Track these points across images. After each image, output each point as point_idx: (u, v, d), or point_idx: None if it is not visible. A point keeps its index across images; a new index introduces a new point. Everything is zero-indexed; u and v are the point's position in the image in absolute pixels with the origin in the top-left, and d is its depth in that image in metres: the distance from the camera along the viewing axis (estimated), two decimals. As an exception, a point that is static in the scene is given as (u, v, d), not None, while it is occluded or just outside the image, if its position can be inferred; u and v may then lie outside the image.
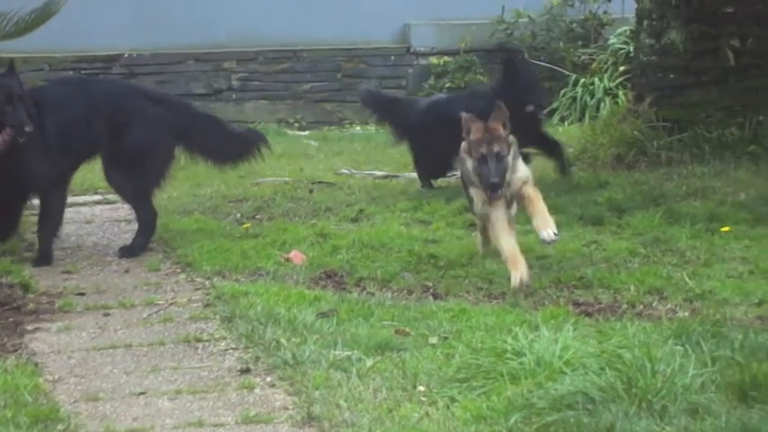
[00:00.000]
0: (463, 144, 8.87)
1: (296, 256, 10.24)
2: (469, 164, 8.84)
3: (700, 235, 10.78)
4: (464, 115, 8.85)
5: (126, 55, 21.70)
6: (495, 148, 8.61)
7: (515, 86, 12.45)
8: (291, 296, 8.71)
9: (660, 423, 5.54)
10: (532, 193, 8.87)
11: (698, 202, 12.10)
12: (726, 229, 10.92)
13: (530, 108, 12.35)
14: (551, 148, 13.27)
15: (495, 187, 8.66)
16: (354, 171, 16.78)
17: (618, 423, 5.48)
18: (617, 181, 13.14)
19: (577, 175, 13.74)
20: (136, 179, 10.76)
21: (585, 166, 14.24)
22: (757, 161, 13.24)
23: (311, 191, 14.50)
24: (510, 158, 8.73)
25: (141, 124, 10.71)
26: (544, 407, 5.73)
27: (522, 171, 8.99)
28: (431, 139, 13.39)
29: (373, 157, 18.90)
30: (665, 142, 13.67)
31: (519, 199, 8.99)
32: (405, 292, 9.18)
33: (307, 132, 24.67)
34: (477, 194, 8.97)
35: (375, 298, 8.83)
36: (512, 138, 8.79)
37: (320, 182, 15.41)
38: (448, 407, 6.08)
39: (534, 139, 12.58)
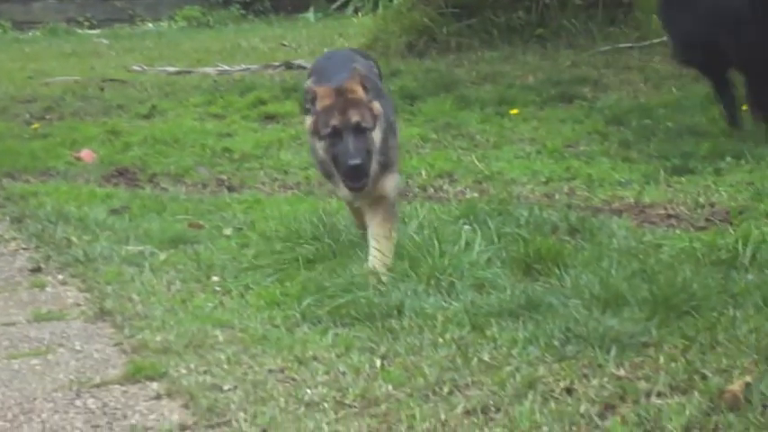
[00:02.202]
0: (307, 122, 6.05)
1: (87, 154, 10.09)
2: (320, 146, 5.98)
3: (489, 118, 10.99)
4: (308, 84, 6.14)
5: None
6: (354, 118, 5.83)
7: None
8: (82, 195, 8.61)
9: (448, 299, 5.67)
10: (387, 216, 6.16)
11: (488, 86, 12.33)
12: (515, 111, 11.15)
13: None
14: None
15: (358, 172, 5.85)
16: (147, 67, 16.55)
17: (407, 301, 5.59)
18: (409, 69, 13.27)
19: (370, 64, 13.82)
20: None
21: (378, 55, 14.27)
22: (545, 44, 13.52)
23: (102, 89, 14.27)
24: (378, 135, 5.99)
25: None
26: (336, 290, 5.80)
27: (393, 170, 6.24)
28: None
29: (166, 54, 18.68)
30: (454, 28, 13.83)
31: (370, 206, 6.20)
32: (199, 186, 9.16)
33: (97, 31, 24.19)
34: (338, 190, 6.22)
35: (168, 193, 8.78)
36: (378, 107, 5.99)
37: (112, 79, 15.18)
38: (242, 295, 6.11)
39: None
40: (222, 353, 5.24)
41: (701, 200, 7.63)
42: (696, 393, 4.46)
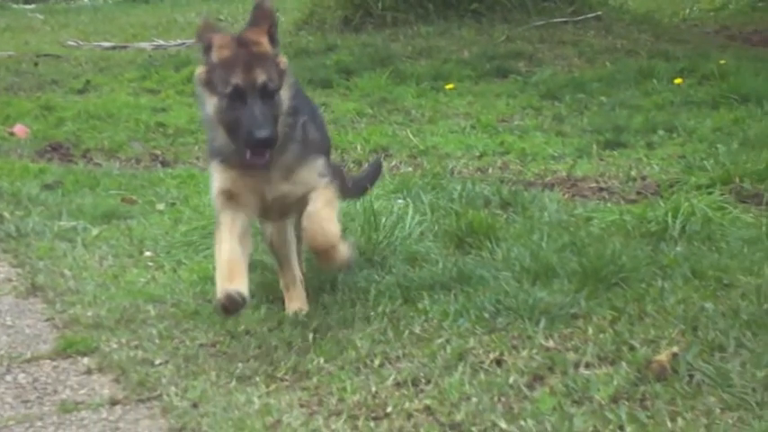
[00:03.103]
0: (199, 71, 4.89)
1: (20, 129, 10.00)
2: (211, 105, 4.82)
3: (425, 93, 11.03)
4: (201, 19, 5.05)
5: None
6: (260, 77, 4.73)
7: None
8: (15, 170, 8.54)
9: (381, 273, 5.69)
10: (325, 211, 4.93)
11: (423, 61, 12.34)
12: (450, 86, 11.19)
13: None
14: None
15: (266, 146, 4.72)
16: (82, 42, 16.41)
17: (340, 275, 5.60)
18: (345, 43, 13.25)
19: (306, 39, 13.78)
20: None
21: (314, 29, 14.29)
22: (480, 19, 13.53)
23: (36, 64, 14.13)
24: (286, 98, 4.90)
25: None
26: (268, 265, 5.80)
27: (315, 151, 5.08)
28: None
29: (101, 29, 18.55)
30: (390, 3, 13.81)
31: (301, 206, 5.02)
32: (133, 161, 9.11)
33: (32, 6, 23.93)
34: (220, 169, 4.99)
35: (102, 168, 8.73)
36: (285, 62, 4.93)
37: (46, 54, 15.04)
38: (175, 270, 6.10)
39: None
40: (154, 327, 5.23)
41: (633, 173, 7.70)
42: (624, 364, 4.50)
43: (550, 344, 4.75)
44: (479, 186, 7.10)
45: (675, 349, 4.56)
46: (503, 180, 7.56)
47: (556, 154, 8.44)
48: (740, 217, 6.39)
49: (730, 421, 4.06)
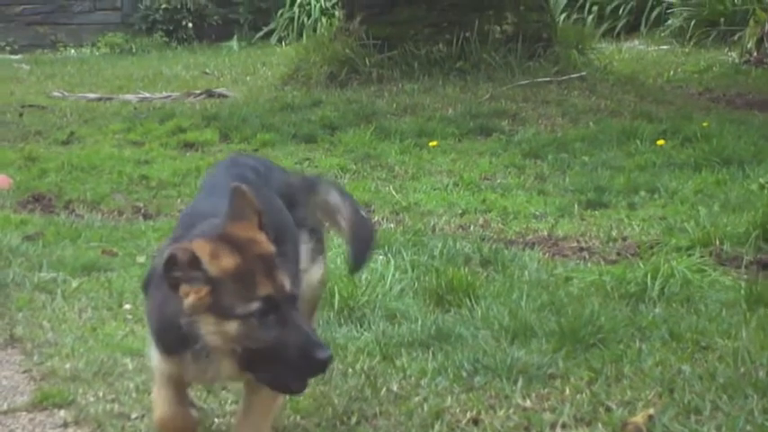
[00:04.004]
0: (192, 298, 3.78)
1: (3, 180, 10.00)
2: (224, 333, 3.78)
3: (409, 150, 11.06)
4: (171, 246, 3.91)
5: None
6: (287, 283, 3.86)
7: None
8: (-3, 220, 8.53)
9: (360, 329, 5.70)
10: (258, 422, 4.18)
11: (407, 117, 12.39)
12: (434, 143, 11.23)
13: None
14: None
15: (327, 366, 3.91)
16: (67, 93, 16.46)
17: (318, 331, 5.59)
18: (330, 99, 13.30)
19: (291, 94, 13.84)
20: None
21: (299, 85, 14.35)
22: (465, 77, 13.60)
23: (21, 114, 14.16)
24: None
25: None
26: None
27: None
28: None
29: (87, 80, 18.59)
30: (375, 60, 13.87)
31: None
32: (115, 213, 9.10)
33: (19, 56, 24.00)
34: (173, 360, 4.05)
35: (84, 220, 8.73)
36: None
37: (31, 105, 15.06)
38: (154, 323, 6.08)
39: None
40: (131, 381, 5.22)
41: (614, 233, 7.73)
42: (600, 425, 4.52)
43: (527, 404, 4.76)
44: (460, 244, 7.13)
45: (651, 411, 4.58)
46: (484, 238, 7.59)
47: (537, 213, 8.47)
48: (719, 280, 6.42)
49: (706, 484, 4.06)
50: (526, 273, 6.57)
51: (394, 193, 9.28)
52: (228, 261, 3.73)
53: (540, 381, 4.96)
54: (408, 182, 9.80)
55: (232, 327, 3.70)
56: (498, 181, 9.67)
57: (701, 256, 6.83)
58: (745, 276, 6.53)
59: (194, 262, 3.71)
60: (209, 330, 3.72)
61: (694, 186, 8.94)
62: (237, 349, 3.71)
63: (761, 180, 8.88)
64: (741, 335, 5.43)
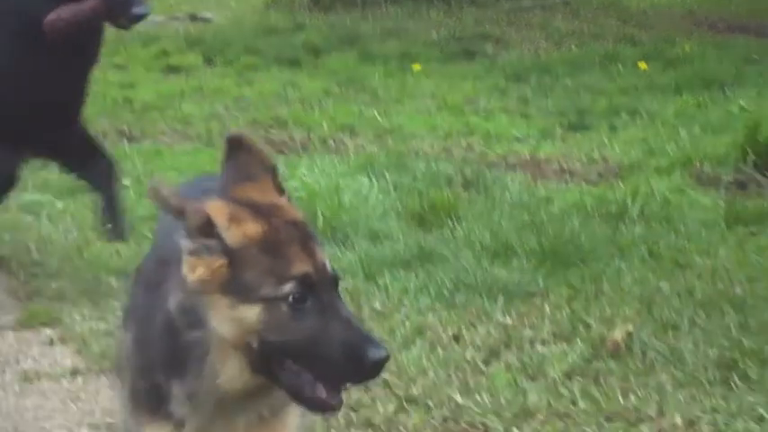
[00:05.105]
0: (200, 270, 2.73)
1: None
2: (243, 320, 2.72)
3: (392, 74, 11.07)
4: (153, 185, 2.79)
5: None
6: (326, 261, 2.79)
7: None
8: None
9: (343, 249, 5.74)
10: None
11: (391, 41, 12.37)
12: (417, 67, 11.23)
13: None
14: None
15: (383, 366, 2.77)
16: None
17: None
18: (313, 23, 13.27)
19: (274, 17, 13.81)
20: None
21: (283, 8, 14.31)
22: (449, 1, 13.58)
23: None
24: None
25: None
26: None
27: None
28: None
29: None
30: (360, -17, 13.83)
31: None
32: (100, 136, 9.08)
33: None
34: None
35: (68, 143, 8.72)
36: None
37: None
38: (138, 243, 6.12)
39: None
40: (116, 300, 5.26)
41: (595, 155, 7.78)
42: (579, 341, 4.59)
43: (508, 321, 4.83)
44: (443, 166, 7.18)
45: (630, 327, 4.65)
46: (466, 160, 7.63)
47: (520, 135, 8.51)
48: (698, 200, 6.49)
49: (681, 398, 4.15)
50: (508, 194, 6.62)
51: (377, 116, 9.29)
52: (253, 227, 2.74)
53: (520, 298, 5.04)
54: (392, 105, 9.82)
55: (253, 313, 2.70)
56: (481, 104, 9.69)
57: (681, 177, 6.90)
58: (724, 196, 6.59)
59: (207, 227, 2.72)
60: (221, 316, 2.71)
61: (675, 109, 8.98)
62: (253, 343, 2.72)
63: (741, 102, 8.94)
64: (719, 253, 5.52)
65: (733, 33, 13.28)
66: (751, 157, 6.99)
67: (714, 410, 4.06)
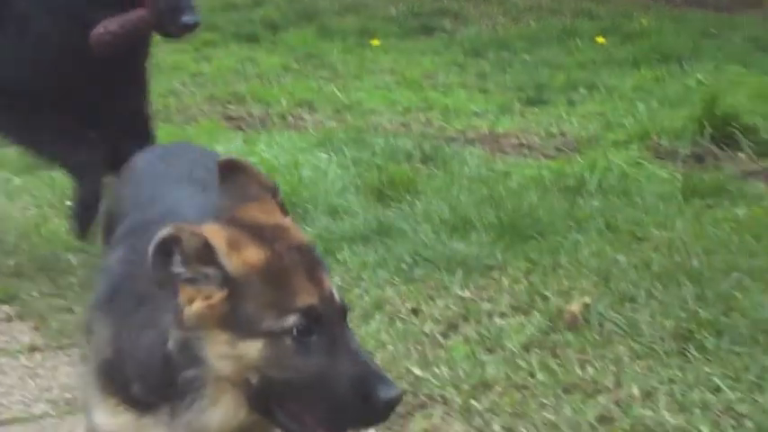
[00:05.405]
0: (198, 304, 2.53)
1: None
2: (242, 355, 2.53)
3: (351, 49, 11.06)
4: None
5: None
6: (334, 291, 2.61)
7: None
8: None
9: (302, 225, 5.73)
10: None
11: (350, 17, 12.36)
12: (376, 42, 11.23)
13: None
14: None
15: (395, 406, 2.57)
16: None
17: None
18: (272, -2, 13.24)
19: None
20: None
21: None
22: (407, -24, 13.55)
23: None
24: None
25: None
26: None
27: None
28: None
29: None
30: (317, -42, 13.78)
31: None
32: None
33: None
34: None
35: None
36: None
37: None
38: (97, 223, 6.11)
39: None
40: (74, 276, 5.26)
41: (553, 130, 7.81)
42: (536, 313, 4.62)
43: (466, 294, 4.85)
44: (402, 141, 7.18)
45: (587, 300, 4.68)
46: (425, 135, 7.64)
47: (478, 110, 8.52)
48: (656, 173, 6.53)
49: (638, 369, 4.18)
50: (466, 168, 6.63)
51: (336, 91, 9.29)
52: (255, 254, 2.53)
53: (478, 272, 5.05)
54: (350, 81, 9.81)
55: (254, 348, 2.50)
56: (440, 79, 9.71)
57: (639, 151, 6.94)
58: (681, 169, 6.63)
59: (206, 252, 2.50)
60: (219, 353, 2.51)
61: (633, 83, 9.02)
62: (253, 380, 2.52)
63: (698, 76, 8.99)
64: (676, 225, 5.55)
65: (690, 7, 13.35)
66: (708, 130, 7.03)
67: (671, 381, 4.08)
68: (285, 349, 2.49)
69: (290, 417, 2.56)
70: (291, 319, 2.49)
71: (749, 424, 3.81)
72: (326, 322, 2.51)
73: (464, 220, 5.58)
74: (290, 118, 8.62)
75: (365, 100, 9.04)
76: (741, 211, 5.83)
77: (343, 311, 2.58)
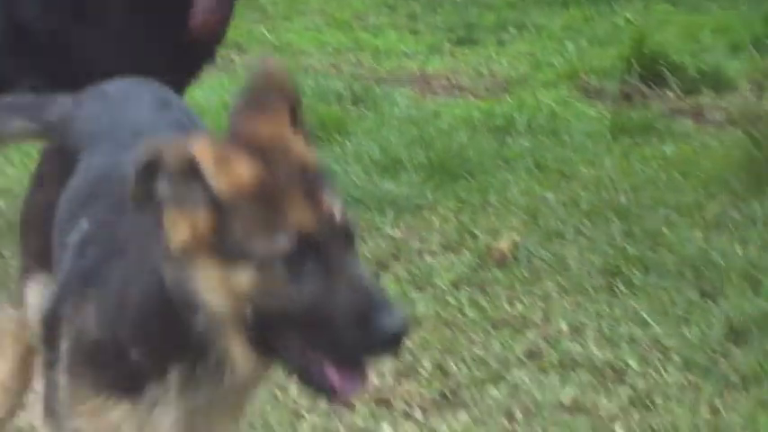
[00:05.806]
0: (183, 230, 2.25)
1: None
2: (231, 284, 2.24)
3: (281, -10, 10.98)
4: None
5: None
6: (338, 212, 2.32)
7: None
8: None
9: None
10: None
11: (279, -43, 12.26)
12: (305, -17, 11.15)
13: None
14: None
15: (400, 340, 2.24)
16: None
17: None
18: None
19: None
20: None
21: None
22: None
23: None
24: None
25: None
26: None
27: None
28: None
29: None
30: None
31: None
32: None
33: None
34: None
35: None
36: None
37: None
38: (25, 164, 6.01)
39: None
40: (3, 219, 5.22)
41: (483, 70, 7.83)
42: (466, 251, 4.66)
43: (397, 233, 4.88)
44: (332, 82, 7.16)
45: (516, 237, 4.73)
46: (355, 76, 7.62)
47: (409, 51, 8.51)
48: (585, 111, 6.58)
49: (567, 305, 4.24)
50: (397, 109, 6.64)
51: (266, 33, 9.23)
52: (246, 172, 2.25)
53: (409, 211, 5.08)
54: (280, 22, 9.75)
55: (245, 276, 2.23)
56: (370, 20, 9.67)
57: (568, 90, 6.98)
58: (610, 108, 6.68)
59: (191, 170, 2.22)
60: (209, 284, 2.25)
61: (562, 22, 9.05)
62: (248, 313, 2.25)
63: (627, 15, 9.02)
64: (604, 163, 5.61)
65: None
66: (636, 68, 7.07)
67: (599, 316, 4.15)
68: (276, 275, 2.22)
69: (294, 357, 2.28)
70: (281, 242, 2.21)
71: (676, 358, 3.89)
72: (324, 246, 2.23)
73: (394, 161, 5.59)
74: (219, 60, 8.54)
75: (295, 41, 9.00)
76: (669, 149, 5.90)
77: (346, 234, 2.29)
